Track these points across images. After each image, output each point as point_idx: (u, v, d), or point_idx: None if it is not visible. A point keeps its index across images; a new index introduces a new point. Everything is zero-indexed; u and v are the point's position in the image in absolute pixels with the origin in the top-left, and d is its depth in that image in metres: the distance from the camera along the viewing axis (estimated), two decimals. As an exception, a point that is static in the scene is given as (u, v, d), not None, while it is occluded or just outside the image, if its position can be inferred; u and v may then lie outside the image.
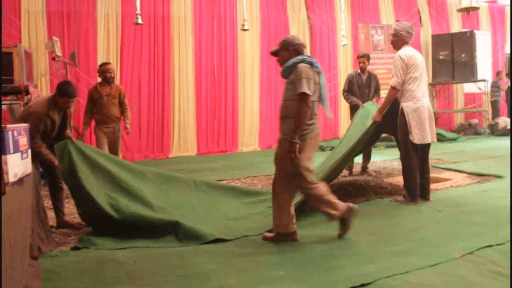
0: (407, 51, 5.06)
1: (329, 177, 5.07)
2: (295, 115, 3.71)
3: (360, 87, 6.88)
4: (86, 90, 8.91)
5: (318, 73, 3.86)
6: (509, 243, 3.55)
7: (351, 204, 3.94)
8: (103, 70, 6.21)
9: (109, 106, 6.16)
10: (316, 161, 4.29)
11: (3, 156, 2.79)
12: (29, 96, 6.14)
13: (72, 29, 9.15)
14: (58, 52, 6.66)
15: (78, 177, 4.27)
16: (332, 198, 3.93)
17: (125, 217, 4.20)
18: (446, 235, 3.87)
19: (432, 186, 5.87)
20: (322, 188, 3.93)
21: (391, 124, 5.33)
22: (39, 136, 4.24)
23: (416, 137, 4.97)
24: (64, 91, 4.27)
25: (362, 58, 6.96)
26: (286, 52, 3.94)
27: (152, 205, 4.43)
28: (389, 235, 3.98)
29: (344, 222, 3.91)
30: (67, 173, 4.33)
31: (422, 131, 4.97)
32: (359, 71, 6.97)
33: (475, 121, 13.04)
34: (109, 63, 6.43)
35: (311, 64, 3.81)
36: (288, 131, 3.75)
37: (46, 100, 4.35)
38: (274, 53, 4.07)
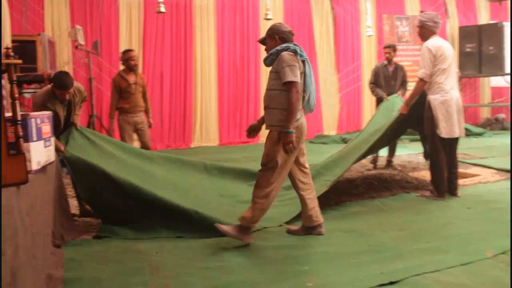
0: (435, 42, 4.90)
1: (344, 167, 4.94)
2: (286, 105, 3.50)
3: (386, 79, 6.71)
4: (108, 79, 8.93)
5: (304, 61, 3.63)
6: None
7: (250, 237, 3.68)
8: (127, 57, 5.99)
9: (137, 95, 5.95)
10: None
11: (25, 144, 2.74)
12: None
13: (95, 17, 9.13)
14: (81, 41, 6.63)
15: (86, 161, 4.08)
16: (265, 211, 3.67)
17: (138, 201, 4.03)
18: (477, 233, 3.74)
19: (460, 181, 5.69)
20: (274, 195, 3.65)
21: (416, 118, 5.19)
22: None
23: (443, 131, 4.82)
24: (57, 82, 4.12)
25: (388, 49, 6.78)
26: (272, 41, 3.75)
27: (164, 189, 4.28)
28: (417, 231, 3.86)
29: (241, 230, 3.63)
30: (74, 159, 4.10)
31: (450, 124, 4.82)
32: (385, 62, 6.80)
33: (502, 115, 12.71)
34: (132, 50, 6.17)
35: (295, 52, 3.57)
36: (276, 121, 3.60)
37: (44, 92, 4.27)
38: (261, 42, 3.91)
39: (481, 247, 3.40)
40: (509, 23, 12.27)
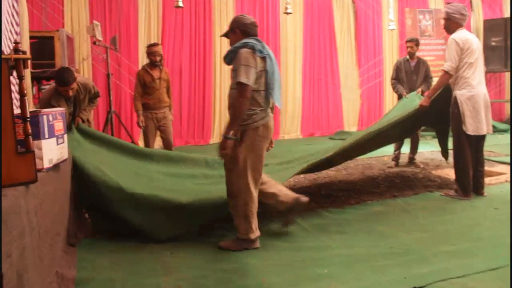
0: (462, 34, 4.71)
1: (348, 154, 4.92)
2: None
3: (407, 74, 6.51)
4: (127, 75, 8.91)
5: (264, 58, 3.33)
6: None
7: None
8: (149, 52, 5.89)
9: (162, 91, 5.84)
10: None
11: (37, 141, 2.67)
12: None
13: (114, 13, 9.08)
14: (99, 36, 6.58)
15: (82, 164, 3.86)
16: (254, 216, 3.48)
17: (138, 199, 3.79)
18: (505, 236, 3.56)
19: (485, 180, 5.51)
20: (251, 198, 3.44)
21: (434, 115, 5.03)
22: None
23: (470, 128, 4.64)
24: (58, 79, 4.04)
25: (410, 43, 6.55)
26: (234, 35, 3.49)
27: (163, 186, 4.15)
28: (442, 233, 3.70)
29: (243, 242, 3.48)
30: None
31: (477, 121, 4.63)
32: (407, 57, 6.60)
33: (529, 111, 12.36)
34: (155, 45, 5.97)
35: (252, 48, 3.30)
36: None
37: (50, 89, 4.23)
38: (225, 36, 3.64)
39: (510, 251, 3.23)
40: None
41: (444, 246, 3.38)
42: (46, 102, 4.07)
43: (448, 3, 5.02)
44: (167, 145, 5.98)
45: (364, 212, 4.32)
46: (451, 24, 4.83)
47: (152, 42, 9.08)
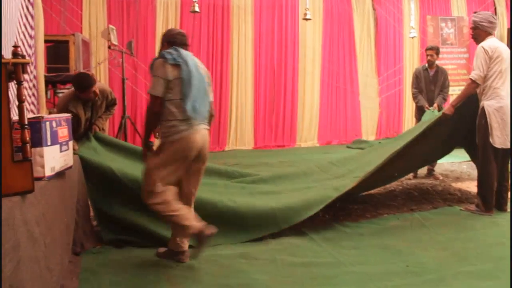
0: (491, 43, 4.52)
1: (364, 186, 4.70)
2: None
3: (426, 83, 6.30)
4: (143, 80, 8.88)
5: (179, 65, 3.16)
6: None
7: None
8: None
9: None
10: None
11: (39, 149, 2.59)
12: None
13: (132, 17, 9.08)
14: (114, 41, 6.54)
15: (97, 163, 3.86)
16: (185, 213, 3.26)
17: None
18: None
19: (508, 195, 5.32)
20: (167, 199, 3.24)
21: (465, 131, 4.84)
22: None
23: (497, 140, 4.44)
24: (76, 83, 3.98)
25: (430, 51, 6.33)
26: (163, 48, 3.37)
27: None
28: (462, 251, 3.52)
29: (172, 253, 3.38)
30: (85, 159, 3.86)
31: (505, 134, 4.43)
32: (426, 65, 6.40)
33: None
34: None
35: (163, 57, 3.19)
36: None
37: (68, 94, 4.14)
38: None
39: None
40: None
41: (464, 266, 3.20)
42: (63, 107, 3.99)
43: (475, 12, 4.83)
44: None
45: (380, 226, 4.15)
46: (480, 33, 4.64)
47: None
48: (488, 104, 4.47)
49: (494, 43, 4.52)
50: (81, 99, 4.03)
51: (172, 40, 3.31)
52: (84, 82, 3.94)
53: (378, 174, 4.53)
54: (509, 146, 4.47)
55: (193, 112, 3.13)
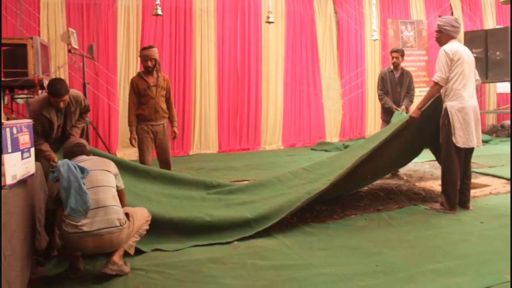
0: (453, 46, 4.66)
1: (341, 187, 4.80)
2: None
3: (392, 85, 6.41)
4: (105, 84, 8.71)
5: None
6: None
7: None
8: (140, 56, 5.28)
9: (159, 99, 5.24)
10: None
11: (-2, 156, 2.48)
12: (43, 90, 5.85)
13: (92, 21, 8.87)
14: (74, 44, 6.37)
15: None
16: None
17: None
18: (493, 252, 3.45)
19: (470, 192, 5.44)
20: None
21: (432, 132, 4.95)
22: (39, 134, 3.92)
23: (460, 140, 4.57)
24: (50, 89, 3.89)
25: (395, 53, 6.42)
26: None
27: (159, 201, 4.16)
28: (428, 249, 3.57)
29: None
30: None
31: (467, 133, 4.56)
32: (391, 67, 6.51)
33: (508, 122, 12.42)
34: (147, 48, 5.25)
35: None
36: None
37: (41, 99, 4.04)
38: None
39: (499, 268, 3.12)
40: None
41: (431, 264, 3.25)
42: (37, 113, 3.90)
43: (440, 16, 4.97)
44: (163, 162, 5.38)
45: (348, 227, 4.18)
46: (443, 36, 4.78)
47: (130, 50, 8.94)
48: (450, 105, 4.59)
49: (455, 46, 4.64)
50: (53, 105, 3.93)
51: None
52: (57, 89, 3.86)
53: (350, 177, 4.60)
54: (471, 146, 4.60)
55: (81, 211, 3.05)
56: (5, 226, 2.44)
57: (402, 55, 6.43)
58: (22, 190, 2.90)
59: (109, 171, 3.31)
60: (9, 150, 2.58)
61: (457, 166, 4.64)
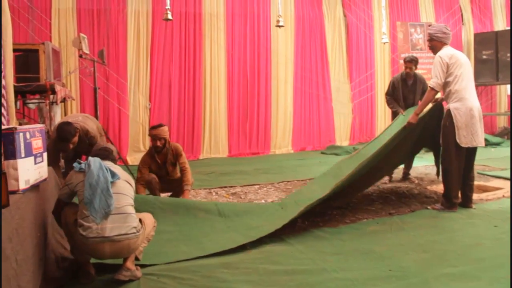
0: (447, 51, 4.79)
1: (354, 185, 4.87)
2: None
3: (404, 93, 6.28)
4: (115, 89, 8.75)
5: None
6: None
7: None
8: (151, 136, 5.11)
9: (172, 175, 5.19)
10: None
11: (12, 161, 2.49)
12: (55, 95, 5.88)
13: (102, 26, 8.94)
14: (85, 49, 6.40)
15: None
16: None
17: None
18: (508, 256, 3.39)
19: (482, 195, 5.42)
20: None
21: (430, 136, 5.00)
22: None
23: (463, 140, 4.63)
24: (57, 133, 4.32)
25: (409, 64, 6.22)
26: None
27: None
28: (442, 253, 3.54)
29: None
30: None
31: (470, 133, 4.63)
32: (403, 73, 6.38)
33: (520, 124, 12.32)
34: (158, 127, 5.09)
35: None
36: None
37: (54, 139, 4.43)
38: None
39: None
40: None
41: (445, 268, 3.21)
42: (53, 149, 4.34)
43: (430, 25, 5.06)
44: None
45: (360, 231, 4.15)
46: (436, 44, 4.89)
47: (140, 55, 8.98)
48: (454, 106, 4.67)
49: (449, 51, 4.77)
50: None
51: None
52: (64, 135, 4.27)
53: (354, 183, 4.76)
54: (474, 145, 4.67)
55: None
56: (18, 231, 2.45)
57: (416, 64, 6.30)
58: (35, 195, 2.91)
59: (130, 184, 3.34)
60: (22, 155, 2.59)
61: (456, 166, 4.72)
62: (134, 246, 3.11)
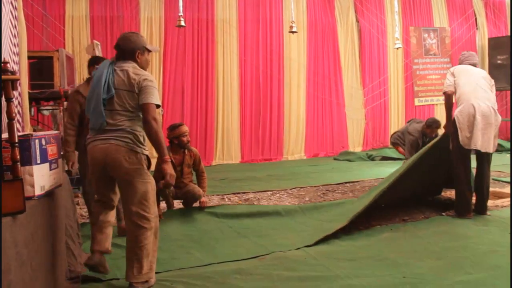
0: (457, 66, 5.06)
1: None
2: None
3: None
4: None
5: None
6: None
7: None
8: (176, 136, 4.99)
9: (185, 177, 5.05)
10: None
11: (28, 167, 2.51)
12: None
13: (115, 33, 8.99)
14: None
15: None
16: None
17: None
18: (524, 263, 3.37)
19: (497, 202, 5.35)
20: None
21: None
22: (73, 118, 4.10)
23: (464, 141, 4.64)
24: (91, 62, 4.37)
25: (429, 129, 6.69)
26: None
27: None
28: (457, 260, 3.50)
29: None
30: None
31: (472, 135, 4.60)
32: (426, 132, 6.71)
33: (536, 130, 12.17)
34: (180, 126, 5.07)
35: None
36: None
37: (85, 80, 4.39)
38: None
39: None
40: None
41: (460, 276, 3.18)
42: (74, 91, 4.30)
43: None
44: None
45: (373, 238, 4.12)
46: None
47: (153, 62, 9.02)
48: (458, 110, 4.73)
49: (460, 65, 5.02)
50: None
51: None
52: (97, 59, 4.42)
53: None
54: (475, 147, 4.62)
55: (92, 123, 3.14)
56: (33, 237, 2.47)
57: (438, 127, 6.57)
58: (49, 201, 2.93)
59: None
60: (38, 161, 2.61)
61: (462, 171, 4.75)
62: (123, 155, 3.02)
